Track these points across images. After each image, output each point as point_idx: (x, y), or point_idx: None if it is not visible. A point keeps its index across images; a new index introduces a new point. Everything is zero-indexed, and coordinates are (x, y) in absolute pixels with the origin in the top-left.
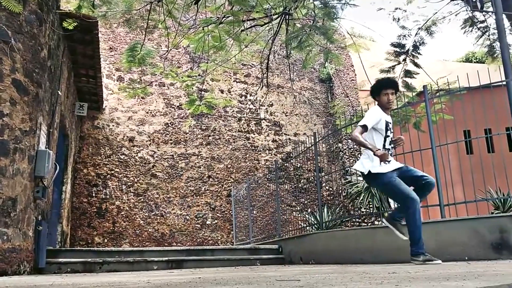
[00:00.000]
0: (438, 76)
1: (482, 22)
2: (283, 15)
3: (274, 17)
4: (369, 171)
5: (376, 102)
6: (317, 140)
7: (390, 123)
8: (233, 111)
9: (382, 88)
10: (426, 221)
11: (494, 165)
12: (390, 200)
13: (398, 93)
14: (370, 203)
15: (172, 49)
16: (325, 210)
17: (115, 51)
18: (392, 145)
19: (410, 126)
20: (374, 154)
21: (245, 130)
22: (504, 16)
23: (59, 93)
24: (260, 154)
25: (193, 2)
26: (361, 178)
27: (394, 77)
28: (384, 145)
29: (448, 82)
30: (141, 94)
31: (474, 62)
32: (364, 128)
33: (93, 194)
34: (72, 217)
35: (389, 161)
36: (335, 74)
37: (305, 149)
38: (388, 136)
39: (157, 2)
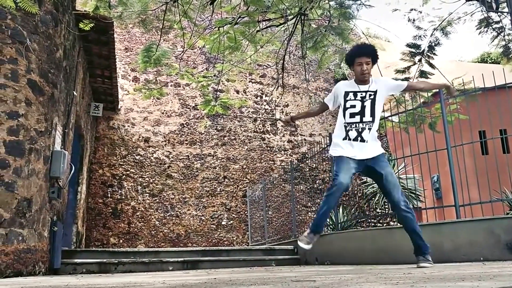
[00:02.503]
0: (453, 77)
1: (498, 22)
2: (299, 16)
3: (290, 17)
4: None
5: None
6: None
7: (363, 92)
8: (249, 111)
9: (355, 56)
10: (442, 222)
11: (509, 165)
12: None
13: (376, 63)
14: (386, 203)
15: (187, 50)
16: (341, 210)
17: (131, 51)
18: (362, 118)
19: (425, 127)
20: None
21: (261, 130)
22: None
23: (75, 93)
24: (275, 154)
25: (208, 2)
26: None
27: (409, 78)
28: (345, 119)
29: (463, 83)
30: (157, 95)
31: (490, 63)
32: (324, 103)
33: (109, 195)
34: (88, 218)
35: (291, 125)
36: (350, 74)
37: (320, 149)
38: (352, 106)
39: (173, 3)
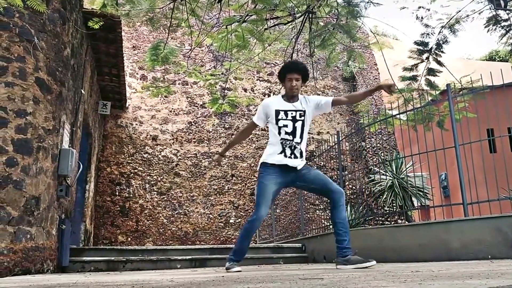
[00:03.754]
0: (461, 75)
1: (506, 20)
2: (307, 14)
3: (298, 15)
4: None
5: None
6: (341, 139)
7: (293, 110)
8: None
9: (287, 72)
10: (450, 220)
11: None
12: (413, 198)
13: (307, 81)
14: (394, 201)
15: (195, 48)
16: (349, 208)
17: (139, 49)
18: (297, 141)
19: (433, 125)
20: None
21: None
22: None
23: (83, 91)
24: None
25: (216, 0)
26: (384, 177)
27: (417, 75)
28: (280, 136)
29: (471, 81)
30: (164, 93)
31: (498, 61)
32: (253, 123)
33: (117, 193)
34: (96, 216)
35: (223, 161)
36: (358, 72)
37: (328, 147)
38: (285, 126)
39: (180, 1)
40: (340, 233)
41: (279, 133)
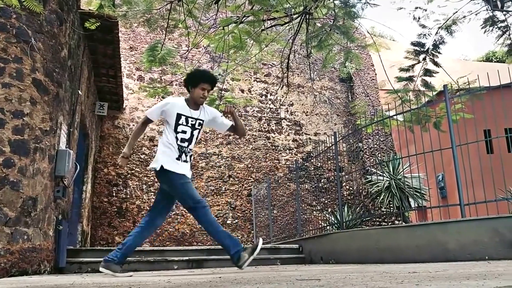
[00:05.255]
0: (458, 76)
1: (503, 21)
2: (304, 15)
3: (295, 16)
4: (162, 167)
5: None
6: (338, 140)
7: (194, 118)
8: (254, 110)
9: (202, 81)
10: (447, 221)
11: None
12: (410, 199)
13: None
14: (391, 202)
15: (192, 49)
16: (346, 209)
17: (136, 50)
18: (189, 145)
19: (430, 126)
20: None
21: (266, 129)
22: None
23: (80, 92)
24: (280, 153)
25: (213, 1)
26: (381, 178)
27: (413, 76)
28: (177, 141)
29: (468, 82)
30: (162, 94)
31: (495, 62)
32: (147, 119)
33: (114, 194)
34: (93, 217)
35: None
36: (355, 73)
37: (325, 148)
38: (183, 132)
39: (177, 2)
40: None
41: (176, 138)
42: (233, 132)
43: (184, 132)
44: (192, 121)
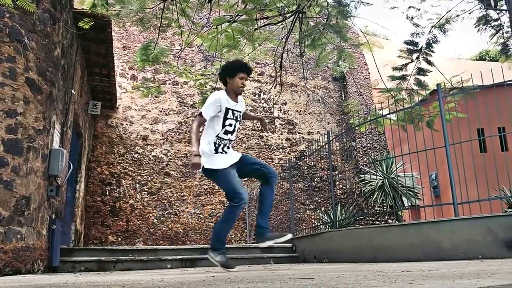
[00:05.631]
0: (451, 75)
1: (496, 20)
2: (297, 14)
3: (288, 15)
4: (203, 167)
5: (224, 85)
6: (331, 139)
7: (236, 110)
8: (247, 109)
9: (240, 71)
10: (440, 220)
11: (507, 163)
12: (403, 198)
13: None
14: (384, 201)
15: (185, 48)
16: (339, 208)
17: (129, 49)
18: (231, 139)
19: (423, 125)
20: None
21: (259, 128)
22: None
23: (73, 91)
24: (273, 152)
25: (206, 0)
26: (374, 177)
27: (406, 75)
28: (218, 135)
29: (461, 81)
30: (155, 93)
31: (488, 61)
32: (202, 117)
33: (107, 193)
34: (86, 216)
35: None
36: (348, 72)
37: (318, 147)
38: (229, 125)
39: (171, 1)
40: None
41: (218, 134)
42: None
43: (230, 125)
44: (235, 113)
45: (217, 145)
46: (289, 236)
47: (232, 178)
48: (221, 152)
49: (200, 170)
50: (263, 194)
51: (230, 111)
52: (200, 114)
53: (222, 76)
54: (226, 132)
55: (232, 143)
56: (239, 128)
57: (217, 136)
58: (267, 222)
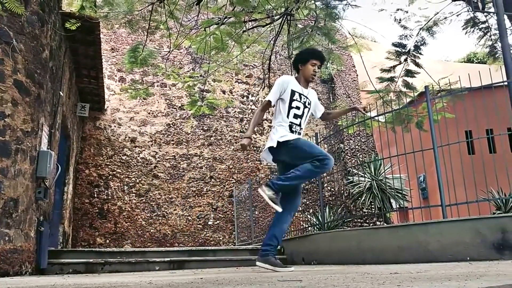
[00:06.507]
0: (439, 77)
1: (484, 22)
2: (285, 16)
3: (276, 18)
4: (278, 142)
5: (295, 73)
6: (319, 141)
7: (305, 96)
8: (235, 111)
9: (312, 57)
10: (428, 222)
11: (495, 165)
12: (392, 200)
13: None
14: (372, 203)
15: (173, 50)
16: (327, 210)
17: (117, 52)
18: (301, 126)
19: (412, 126)
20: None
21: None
22: (505, 16)
23: (61, 93)
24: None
25: (194, 3)
26: (363, 179)
27: (395, 77)
28: (288, 118)
29: (449, 83)
30: (143, 95)
31: (476, 63)
32: (269, 103)
33: (95, 195)
34: (74, 218)
35: (246, 149)
36: (336, 74)
37: None
38: (294, 108)
39: (159, 3)
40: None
41: (288, 114)
42: (324, 118)
43: (298, 108)
44: (304, 98)
45: (291, 129)
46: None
47: (313, 144)
48: (294, 132)
49: (270, 160)
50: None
51: (297, 94)
52: (267, 100)
53: (295, 64)
54: (296, 116)
55: (302, 130)
56: (309, 118)
57: (288, 118)
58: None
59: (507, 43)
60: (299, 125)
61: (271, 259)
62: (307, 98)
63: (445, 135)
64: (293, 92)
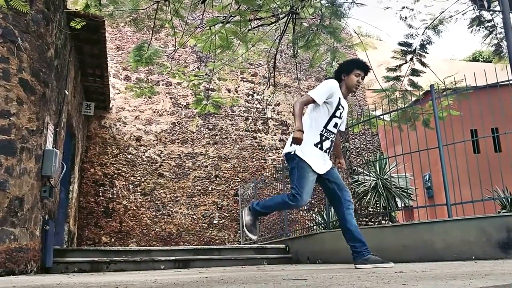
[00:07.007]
0: (445, 75)
1: (489, 21)
2: (290, 14)
3: (281, 16)
4: (295, 152)
5: (338, 81)
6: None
7: (343, 107)
8: (240, 110)
9: (357, 68)
10: (434, 220)
11: (501, 164)
12: (397, 199)
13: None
14: (377, 202)
15: (179, 49)
16: (332, 209)
17: (122, 50)
18: (335, 134)
19: (418, 124)
20: (295, 131)
21: (252, 129)
22: (511, 15)
23: (66, 92)
24: (267, 153)
25: (200, 1)
26: (368, 178)
27: (400, 76)
28: (326, 126)
29: (455, 81)
30: (148, 94)
31: (481, 61)
32: (314, 102)
33: (100, 194)
34: (79, 217)
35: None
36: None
37: None
38: (337, 117)
39: (164, 2)
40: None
41: (328, 122)
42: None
43: (339, 118)
44: (341, 108)
45: (323, 138)
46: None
47: (308, 180)
48: (320, 148)
49: (283, 154)
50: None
51: (341, 104)
52: (312, 97)
53: (338, 73)
54: (335, 125)
55: (332, 144)
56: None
57: (325, 127)
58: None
59: None
60: (334, 134)
61: (371, 257)
62: (343, 109)
63: (450, 134)
64: (339, 101)
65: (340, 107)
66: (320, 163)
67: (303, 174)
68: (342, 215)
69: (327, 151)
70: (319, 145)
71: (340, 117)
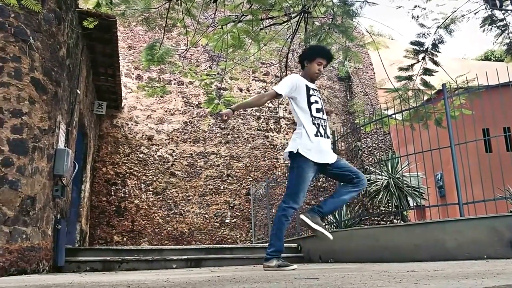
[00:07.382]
0: (457, 74)
1: (502, 20)
2: (302, 14)
3: (293, 15)
4: (297, 151)
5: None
6: (336, 139)
7: (315, 89)
8: (252, 109)
9: (318, 55)
10: (445, 220)
11: None
12: (409, 198)
13: (328, 66)
14: (389, 201)
15: (190, 48)
16: (344, 208)
17: (134, 49)
18: (323, 115)
19: (430, 123)
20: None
21: (264, 128)
22: None
23: (78, 91)
24: (279, 152)
25: (211, 0)
26: (380, 177)
27: (412, 75)
28: (312, 115)
29: (467, 80)
30: (160, 93)
31: (493, 61)
32: (278, 95)
33: (112, 193)
34: (91, 216)
35: (225, 120)
36: (354, 72)
37: None
38: (314, 102)
39: (176, 1)
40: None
41: (310, 110)
42: None
43: (316, 102)
44: (315, 92)
45: (317, 125)
46: (325, 234)
47: (304, 180)
48: (322, 136)
49: (286, 154)
50: (339, 192)
51: (311, 89)
52: (276, 91)
53: (301, 59)
54: (318, 110)
55: (327, 122)
56: (326, 110)
57: (312, 116)
58: (327, 211)
59: None
60: (323, 118)
61: (316, 218)
62: (317, 91)
63: (462, 133)
64: (307, 88)
65: (311, 91)
66: (323, 154)
67: (302, 174)
68: (345, 186)
69: (325, 136)
70: (318, 133)
71: (317, 102)
